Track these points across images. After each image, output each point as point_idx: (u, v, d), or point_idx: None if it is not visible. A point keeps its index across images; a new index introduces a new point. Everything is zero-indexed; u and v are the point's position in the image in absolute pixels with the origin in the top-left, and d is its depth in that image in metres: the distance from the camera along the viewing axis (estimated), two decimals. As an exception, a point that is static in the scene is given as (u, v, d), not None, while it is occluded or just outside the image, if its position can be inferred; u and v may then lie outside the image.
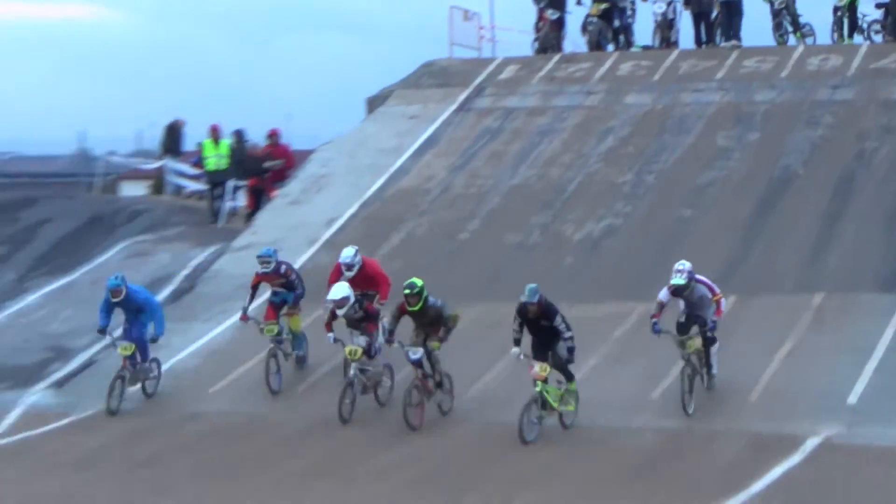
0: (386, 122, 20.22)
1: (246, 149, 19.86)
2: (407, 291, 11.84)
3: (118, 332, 13.52)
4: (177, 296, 16.63)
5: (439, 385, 12.15)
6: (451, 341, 13.20)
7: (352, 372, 12.04)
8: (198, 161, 20.73)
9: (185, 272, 17.35)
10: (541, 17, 21.16)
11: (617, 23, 21.04)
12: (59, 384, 15.13)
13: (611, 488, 10.60)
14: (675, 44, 21.07)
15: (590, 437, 11.75)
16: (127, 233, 19.72)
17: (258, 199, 19.26)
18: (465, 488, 10.28)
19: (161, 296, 16.28)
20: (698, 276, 11.31)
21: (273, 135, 20.12)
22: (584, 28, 20.99)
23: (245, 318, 13.27)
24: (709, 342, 11.36)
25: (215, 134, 19.74)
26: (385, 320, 12.42)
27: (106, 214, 20.94)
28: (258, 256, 13.62)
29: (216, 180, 19.68)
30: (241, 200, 19.99)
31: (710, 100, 19.05)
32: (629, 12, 21.21)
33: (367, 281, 12.81)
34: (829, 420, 11.38)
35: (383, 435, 11.65)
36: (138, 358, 13.17)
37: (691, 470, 10.80)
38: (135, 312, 13.17)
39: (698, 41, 20.64)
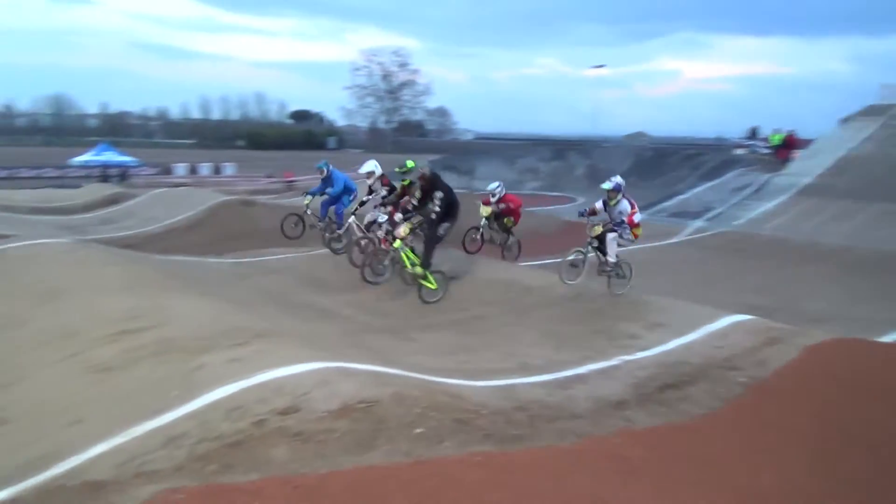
0: (847, 129, 30.94)
1: (786, 136, 33.97)
2: (396, 169, 11.49)
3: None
4: (757, 189, 26.35)
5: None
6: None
7: (357, 235, 12.16)
8: (766, 140, 36.29)
9: (760, 182, 27.75)
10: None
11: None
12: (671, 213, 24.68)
13: (787, 270, 15.28)
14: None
15: (783, 242, 17.34)
16: (737, 168, 31.78)
17: (786, 157, 31.54)
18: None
19: (744, 193, 26.21)
20: (627, 195, 11.16)
21: (791, 132, 34.05)
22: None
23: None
24: (606, 232, 11.09)
25: (776, 131, 35.45)
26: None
27: (726, 161, 34.68)
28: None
29: (773, 149, 33.66)
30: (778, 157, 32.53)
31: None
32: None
33: (507, 208, 13.25)
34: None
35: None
36: (321, 214, 13.74)
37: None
38: (334, 188, 13.77)
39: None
